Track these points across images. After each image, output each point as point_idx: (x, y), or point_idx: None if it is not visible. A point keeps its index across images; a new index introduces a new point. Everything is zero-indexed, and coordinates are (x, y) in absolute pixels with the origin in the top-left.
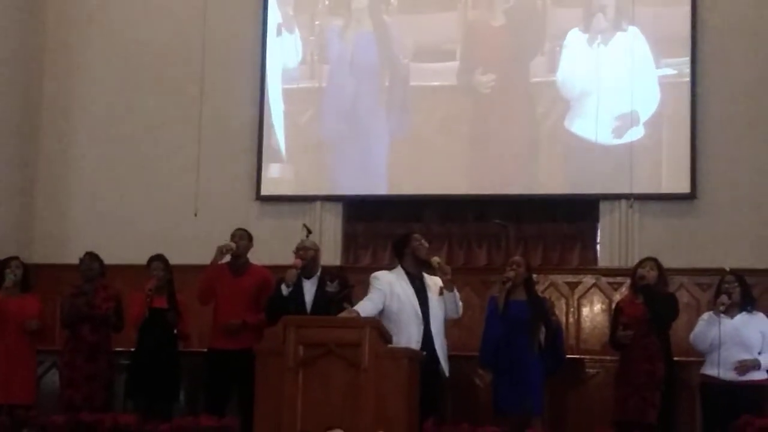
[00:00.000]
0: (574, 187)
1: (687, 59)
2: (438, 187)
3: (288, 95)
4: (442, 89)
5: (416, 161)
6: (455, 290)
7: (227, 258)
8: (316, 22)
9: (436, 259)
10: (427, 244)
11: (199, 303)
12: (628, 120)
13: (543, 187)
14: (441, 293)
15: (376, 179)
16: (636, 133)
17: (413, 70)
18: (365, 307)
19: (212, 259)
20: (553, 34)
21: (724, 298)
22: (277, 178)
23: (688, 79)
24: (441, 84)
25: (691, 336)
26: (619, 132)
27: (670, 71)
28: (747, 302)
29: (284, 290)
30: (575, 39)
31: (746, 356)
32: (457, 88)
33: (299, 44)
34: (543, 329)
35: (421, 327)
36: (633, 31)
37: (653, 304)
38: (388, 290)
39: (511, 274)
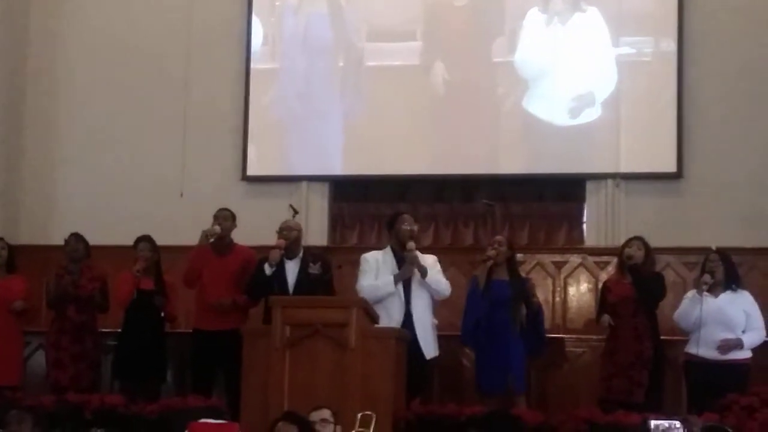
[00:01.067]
0: (561, 166)
1: (650, 38)
2: (424, 167)
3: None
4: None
5: (403, 141)
6: (439, 272)
7: (213, 238)
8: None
9: (410, 245)
10: (414, 227)
11: (185, 286)
12: (612, 99)
13: (529, 166)
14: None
15: (363, 159)
16: (620, 113)
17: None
18: (368, 281)
19: (197, 243)
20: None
21: (707, 277)
22: (262, 158)
23: (649, 59)
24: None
25: (675, 314)
26: (598, 112)
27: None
28: (731, 281)
29: (267, 270)
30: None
31: (729, 335)
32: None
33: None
34: (524, 309)
35: (403, 308)
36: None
37: (641, 283)
38: (375, 271)
39: (492, 252)
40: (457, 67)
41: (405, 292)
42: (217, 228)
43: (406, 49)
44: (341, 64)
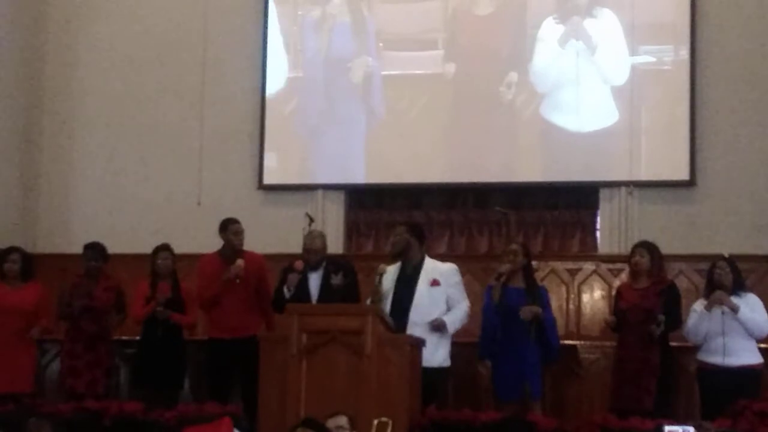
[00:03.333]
0: (575, 174)
1: (663, 47)
2: (439, 175)
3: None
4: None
5: (419, 149)
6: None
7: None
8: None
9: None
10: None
11: (201, 309)
12: (626, 108)
13: (544, 174)
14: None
15: (378, 167)
16: (634, 121)
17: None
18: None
19: (223, 278)
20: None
21: (719, 294)
22: (279, 167)
23: (662, 68)
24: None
25: (684, 330)
26: (612, 120)
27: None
28: (737, 287)
29: (286, 293)
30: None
31: (744, 341)
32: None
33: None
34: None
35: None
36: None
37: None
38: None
39: (505, 267)
40: (474, 75)
41: (406, 297)
42: (241, 263)
43: (427, 58)
44: (359, 73)
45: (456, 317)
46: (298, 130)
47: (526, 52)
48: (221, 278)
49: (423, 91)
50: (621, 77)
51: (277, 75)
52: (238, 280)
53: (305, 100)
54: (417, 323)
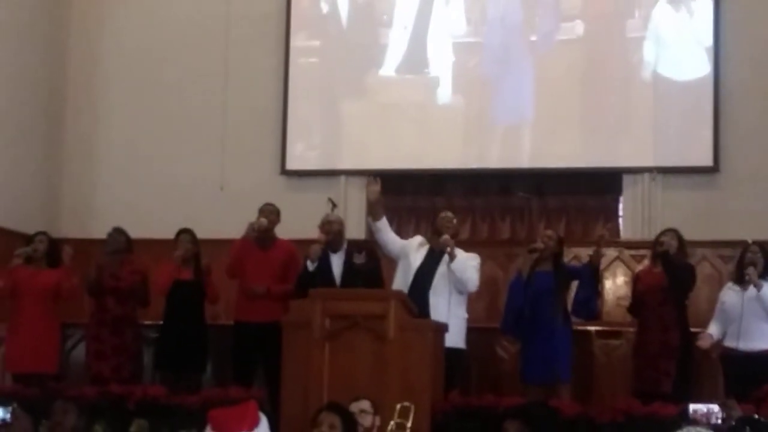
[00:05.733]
0: (598, 160)
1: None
2: (461, 160)
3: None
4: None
5: (440, 134)
6: (473, 267)
7: (261, 230)
8: None
9: (445, 237)
10: (454, 222)
11: (227, 276)
12: (648, 93)
13: (566, 160)
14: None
15: (401, 153)
16: (657, 107)
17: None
18: (393, 236)
19: (243, 235)
20: None
21: (751, 269)
22: (302, 152)
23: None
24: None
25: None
26: (635, 106)
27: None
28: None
29: (309, 266)
30: None
31: (764, 324)
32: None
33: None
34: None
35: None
36: None
37: (671, 271)
38: (407, 248)
39: (540, 244)
40: (500, 62)
41: (424, 282)
42: (264, 221)
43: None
44: (378, 59)
45: (464, 260)
46: (321, 116)
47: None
48: (245, 234)
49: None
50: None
51: (300, 60)
52: (257, 231)
53: (326, 85)
54: (437, 291)
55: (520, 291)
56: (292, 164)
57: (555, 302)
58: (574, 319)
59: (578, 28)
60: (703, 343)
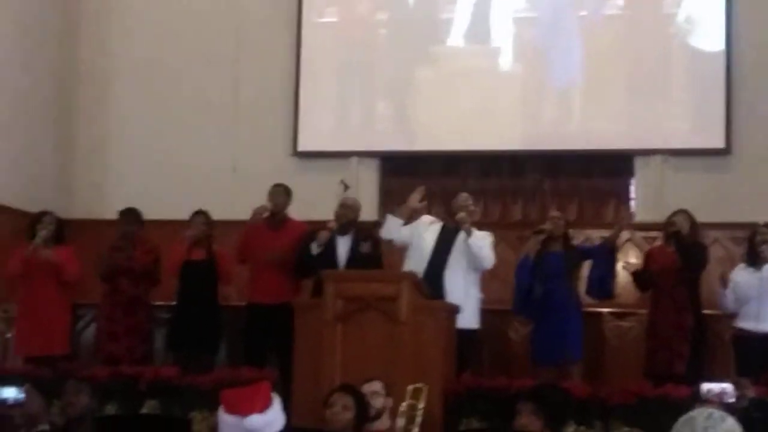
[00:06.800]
0: (610, 142)
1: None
2: (474, 142)
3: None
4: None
5: (453, 116)
6: (487, 245)
7: (266, 214)
8: None
9: (461, 215)
10: (470, 203)
11: (237, 262)
12: (661, 76)
13: (578, 142)
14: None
15: (412, 134)
16: (671, 89)
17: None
18: (402, 229)
19: (249, 221)
20: None
21: (766, 248)
22: (313, 134)
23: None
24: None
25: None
26: (648, 88)
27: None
28: None
29: (314, 249)
30: None
31: None
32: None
33: None
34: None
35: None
36: None
37: (683, 250)
38: (417, 229)
39: (548, 225)
40: (511, 46)
41: (440, 260)
42: (267, 205)
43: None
44: (392, 40)
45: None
46: (332, 97)
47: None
48: (250, 221)
49: (456, 59)
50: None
51: (313, 41)
52: (265, 215)
53: (338, 66)
54: (453, 269)
55: (526, 272)
56: (303, 146)
57: (565, 283)
58: (587, 299)
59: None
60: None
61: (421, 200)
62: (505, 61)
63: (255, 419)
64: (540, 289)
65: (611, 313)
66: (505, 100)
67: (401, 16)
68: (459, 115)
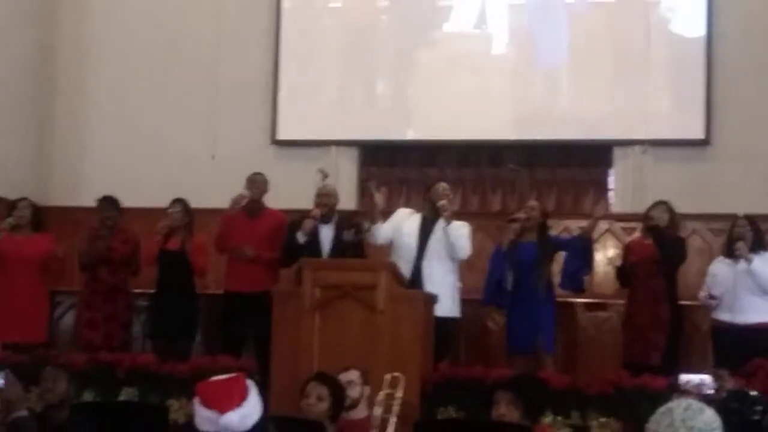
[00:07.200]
0: (588, 132)
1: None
2: (453, 132)
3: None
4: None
5: (431, 106)
6: (464, 235)
7: (244, 202)
8: None
9: (442, 202)
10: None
11: (216, 251)
12: (640, 66)
13: (557, 132)
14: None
15: (392, 124)
16: (650, 79)
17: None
18: (383, 228)
19: (227, 209)
20: None
21: (741, 244)
22: (292, 122)
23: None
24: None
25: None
26: (627, 78)
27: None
28: (757, 246)
29: (300, 238)
30: None
31: (756, 298)
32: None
33: None
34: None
35: (410, 264)
36: None
37: (662, 245)
38: (397, 223)
39: (522, 215)
40: (490, 35)
41: (419, 249)
42: (245, 192)
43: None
44: (368, 29)
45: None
46: (311, 86)
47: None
48: (228, 210)
49: (433, 48)
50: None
51: (291, 29)
52: (242, 203)
53: (317, 55)
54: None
55: (499, 261)
56: (282, 134)
57: (538, 273)
58: (560, 291)
59: None
60: (705, 299)
61: (381, 195)
62: (498, 45)
63: (232, 416)
64: (511, 278)
65: (588, 304)
66: (496, 85)
67: (386, 3)
68: (436, 103)
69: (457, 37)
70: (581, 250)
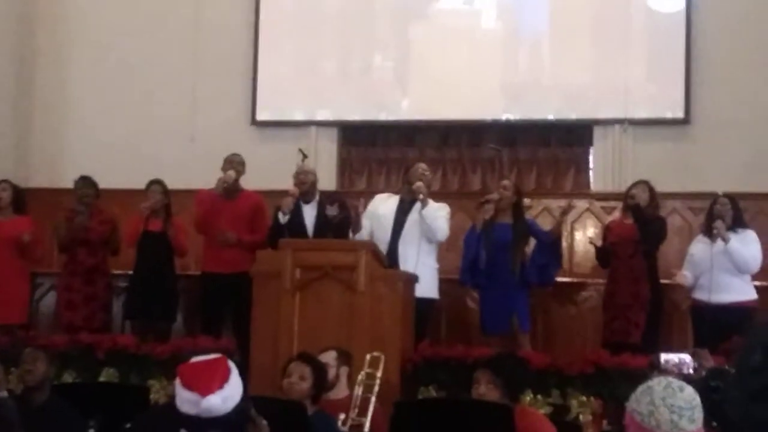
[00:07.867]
0: (569, 112)
1: None
2: (433, 112)
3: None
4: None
5: (412, 85)
6: (442, 217)
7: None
8: None
9: (418, 184)
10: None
11: (197, 232)
12: (620, 45)
13: (537, 111)
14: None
15: (371, 104)
16: (629, 58)
17: None
18: (363, 223)
19: (214, 188)
20: None
21: (719, 223)
22: (272, 103)
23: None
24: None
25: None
26: (606, 57)
27: None
28: (737, 224)
29: (281, 218)
30: None
31: (733, 277)
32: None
33: None
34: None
35: (386, 246)
36: None
37: (642, 224)
38: (372, 212)
39: (495, 195)
40: (464, 12)
41: (394, 231)
42: (233, 173)
43: None
44: (348, 8)
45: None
46: (291, 66)
47: None
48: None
49: (413, 28)
50: (615, 16)
51: (272, 8)
52: (225, 185)
53: (297, 35)
54: (407, 239)
55: (473, 241)
56: (262, 115)
57: (513, 254)
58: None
59: None
60: (681, 279)
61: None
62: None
63: (213, 398)
64: (485, 258)
65: (568, 283)
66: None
67: None
68: (416, 83)
69: (445, 13)
70: (550, 245)
